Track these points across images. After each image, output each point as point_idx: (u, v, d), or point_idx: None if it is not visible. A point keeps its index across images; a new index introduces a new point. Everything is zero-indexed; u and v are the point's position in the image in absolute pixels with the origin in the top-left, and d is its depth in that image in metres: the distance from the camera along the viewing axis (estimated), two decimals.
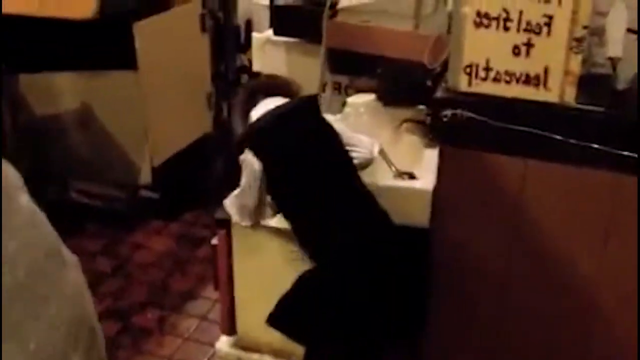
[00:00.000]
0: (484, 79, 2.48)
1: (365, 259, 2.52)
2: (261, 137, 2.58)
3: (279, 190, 2.59)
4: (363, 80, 3.11)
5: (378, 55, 2.98)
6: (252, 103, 2.69)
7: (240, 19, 4.83)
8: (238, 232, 3.01)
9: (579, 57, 2.39)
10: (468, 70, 2.49)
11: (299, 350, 2.81)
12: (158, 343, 3.62)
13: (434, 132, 2.59)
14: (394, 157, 2.95)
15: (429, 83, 2.91)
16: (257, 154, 2.55)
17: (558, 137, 2.44)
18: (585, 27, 2.36)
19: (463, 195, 2.60)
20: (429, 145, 3.08)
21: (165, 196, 4.48)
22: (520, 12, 2.39)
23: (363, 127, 2.94)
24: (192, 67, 4.58)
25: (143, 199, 4.46)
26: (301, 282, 2.60)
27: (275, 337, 3.01)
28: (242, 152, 2.63)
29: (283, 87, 2.73)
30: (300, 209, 2.60)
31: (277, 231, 2.89)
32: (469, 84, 2.50)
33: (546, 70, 2.42)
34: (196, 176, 4.58)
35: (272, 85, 2.73)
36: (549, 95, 2.43)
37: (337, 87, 3.26)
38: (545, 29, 2.38)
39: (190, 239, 4.40)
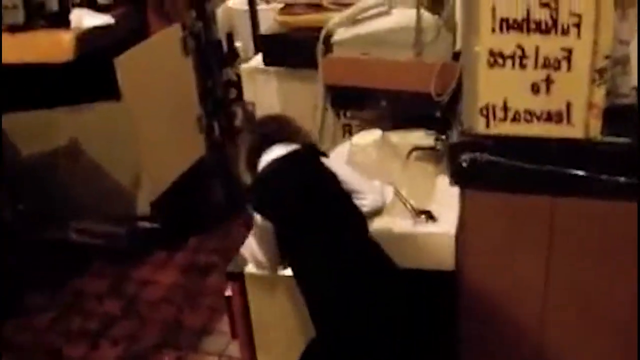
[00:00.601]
0: (503, 120, 2.29)
1: (379, 323, 2.31)
2: (260, 195, 2.41)
3: (284, 245, 2.40)
4: (366, 114, 2.90)
5: (381, 88, 2.76)
6: (259, 151, 2.47)
7: (221, 30, 4.59)
8: (252, 284, 2.82)
9: (603, 89, 2.20)
10: (484, 112, 2.29)
11: None
12: None
13: (453, 177, 2.39)
14: (407, 190, 2.76)
15: (437, 114, 2.70)
16: (260, 212, 2.35)
17: (585, 172, 2.25)
18: (607, 57, 2.16)
19: (489, 239, 2.43)
20: (441, 171, 2.89)
21: (165, 225, 4.28)
22: (537, 48, 2.19)
23: (371, 164, 2.74)
24: (178, 92, 4.36)
25: (143, 231, 4.27)
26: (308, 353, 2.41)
27: None
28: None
29: (291, 132, 2.52)
30: (304, 266, 2.39)
31: (291, 279, 2.71)
32: (487, 125, 2.30)
33: (568, 106, 2.22)
34: (195, 201, 4.38)
35: (280, 131, 2.51)
36: (572, 131, 2.24)
37: (348, 129, 3.06)
38: (564, 64, 2.18)
39: (197, 268, 4.23)
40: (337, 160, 2.57)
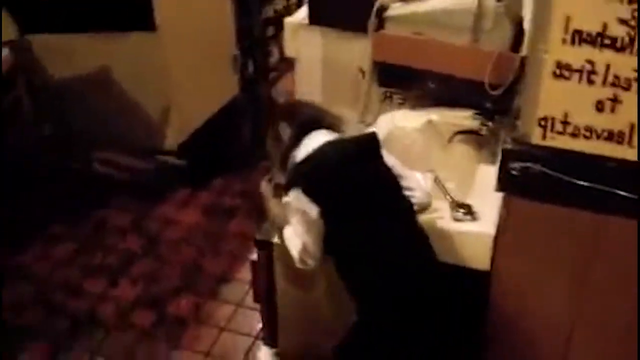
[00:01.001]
0: (561, 133, 2.16)
1: (419, 311, 2.28)
2: (322, 183, 2.29)
3: (333, 235, 2.31)
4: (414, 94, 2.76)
5: (431, 70, 2.61)
6: (298, 140, 2.37)
7: None
8: (280, 255, 2.75)
9: None
10: (543, 122, 2.16)
11: None
12: (194, 336, 3.44)
13: (500, 182, 2.28)
14: (447, 175, 2.66)
15: (488, 105, 2.57)
16: (317, 200, 2.26)
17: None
18: None
19: (529, 247, 2.33)
20: (483, 158, 2.78)
21: (192, 164, 4.18)
22: (608, 66, 2.04)
23: (413, 149, 2.63)
24: (215, 29, 4.19)
25: (169, 168, 4.17)
26: (354, 334, 2.37)
27: (317, 352, 2.85)
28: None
29: (329, 121, 2.40)
30: (352, 254, 2.34)
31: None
32: (543, 137, 2.17)
33: (632, 128, 2.09)
34: (224, 142, 4.27)
35: (317, 120, 2.40)
36: (633, 153, 2.11)
37: (389, 98, 2.90)
38: (635, 85, 2.03)
39: (221, 210, 4.15)
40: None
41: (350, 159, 2.30)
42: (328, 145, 2.33)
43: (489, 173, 2.61)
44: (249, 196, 4.18)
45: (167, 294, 3.64)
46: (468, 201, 2.56)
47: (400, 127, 2.64)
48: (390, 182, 2.33)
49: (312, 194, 2.26)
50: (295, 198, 2.30)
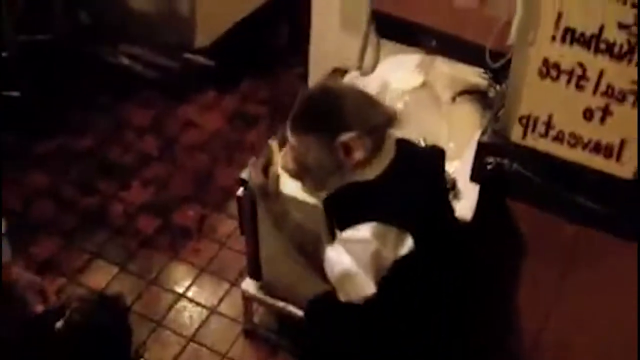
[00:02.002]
0: (543, 135, 1.88)
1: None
2: (393, 203, 1.85)
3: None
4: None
5: (434, 28, 2.30)
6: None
7: None
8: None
9: None
10: (524, 121, 1.87)
11: None
12: (195, 249, 3.38)
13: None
14: (442, 142, 2.40)
15: (488, 76, 2.26)
16: (396, 221, 1.81)
17: (622, 214, 1.86)
18: None
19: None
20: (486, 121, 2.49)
21: (221, 64, 3.97)
22: (601, 72, 1.73)
23: (406, 112, 2.37)
24: None
25: (196, 67, 3.97)
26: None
27: (299, 288, 2.75)
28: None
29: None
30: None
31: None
32: (523, 136, 1.90)
33: (622, 143, 1.79)
34: (255, 44, 4.02)
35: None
36: (620, 169, 1.84)
37: None
38: (631, 98, 1.73)
39: (244, 117, 3.97)
40: None
41: (424, 176, 1.94)
42: (406, 172, 1.87)
43: None
44: (274, 105, 3.98)
45: (175, 202, 3.56)
46: (460, 169, 2.30)
47: (393, 88, 2.37)
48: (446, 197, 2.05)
49: (405, 225, 1.81)
50: (377, 232, 1.78)
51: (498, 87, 2.42)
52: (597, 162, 1.84)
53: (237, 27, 3.99)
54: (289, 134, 1.85)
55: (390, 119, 1.83)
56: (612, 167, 1.83)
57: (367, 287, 1.82)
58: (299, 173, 1.89)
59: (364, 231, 1.76)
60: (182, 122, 3.92)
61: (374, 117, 1.80)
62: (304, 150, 1.83)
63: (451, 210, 1.98)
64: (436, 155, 2.00)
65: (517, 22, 1.86)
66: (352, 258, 1.80)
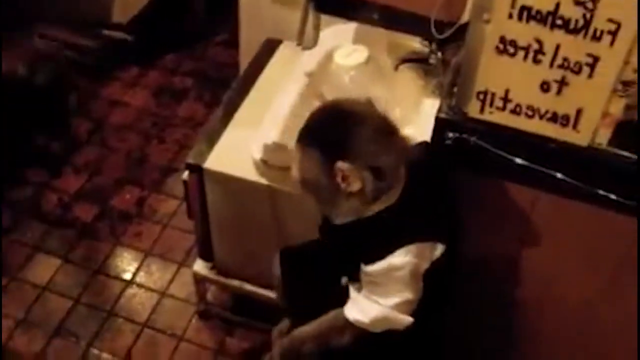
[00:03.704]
0: (501, 109, 1.89)
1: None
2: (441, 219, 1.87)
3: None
4: None
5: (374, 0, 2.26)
6: None
7: None
8: (211, 180, 2.55)
9: (623, 101, 1.78)
10: (481, 96, 1.88)
11: None
12: (136, 232, 3.30)
13: (434, 151, 2.02)
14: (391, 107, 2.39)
15: (433, 50, 2.25)
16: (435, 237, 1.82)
17: (579, 181, 1.90)
18: (636, 71, 1.71)
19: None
20: (429, 90, 2.50)
21: (140, 39, 3.82)
22: (557, 47, 1.74)
23: (352, 87, 2.34)
24: None
25: (116, 43, 3.81)
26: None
27: (252, 266, 2.75)
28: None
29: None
30: None
31: (253, 184, 2.45)
32: (481, 110, 1.91)
33: (579, 112, 1.82)
34: (177, 15, 3.88)
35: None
36: (576, 137, 1.87)
37: None
38: (586, 69, 1.74)
39: (170, 91, 3.86)
40: None
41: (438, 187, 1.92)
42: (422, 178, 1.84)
43: (433, 107, 2.34)
44: (200, 76, 3.87)
45: (111, 186, 3.45)
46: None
47: (338, 63, 2.33)
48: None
49: (435, 235, 1.80)
50: (413, 252, 1.75)
51: (440, 54, 2.41)
52: (555, 131, 1.87)
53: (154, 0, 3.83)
54: (296, 141, 1.79)
55: (400, 158, 1.76)
56: (568, 135, 1.86)
57: (406, 321, 1.82)
58: (303, 186, 1.83)
59: (401, 257, 1.73)
60: (108, 102, 3.78)
61: (383, 158, 1.72)
62: (306, 163, 1.77)
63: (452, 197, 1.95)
64: (428, 152, 1.97)
65: (473, 1, 1.84)
66: (386, 297, 1.80)
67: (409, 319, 1.82)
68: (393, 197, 1.76)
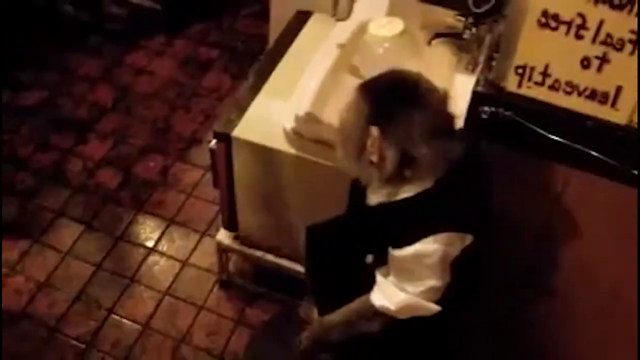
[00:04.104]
0: (539, 84, 1.87)
1: None
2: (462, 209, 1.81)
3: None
4: None
5: None
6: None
7: None
8: (239, 149, 2.55)
9: None
10: (520, 70, 1.86)
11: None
12: (160, 201, 3.30)
13: (469, 124, 2.01)
14: None
15: (467, 25, 2.23)
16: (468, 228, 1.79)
17: (614, 159, 1.89)
18: None
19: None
20: (462, 65, 2.48)
21: (169, 7, 3.81)
22: (601, 22, 1.72)
23: (384, 58, 2.33)
24: None
25: (144, 11, 3.80)
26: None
27: (276, 237, 2.75)
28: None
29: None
30: None
31: (281, 154, 2.44)
32: (519, 85, 1.89)
33: (618, 90, 1.81)
34: None
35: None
36: (615, 115, 1.85)
37: None
38: (629, 46, 1.73)
39: (196, 61, 3.84)
40: None
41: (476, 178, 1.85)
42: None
43: (465, 83, 2.34)
44: (226, 48, 3.86)
45: (135, 154, 3.45)
46: None
47: (372, 34, 2.31)
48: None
49: (467, 226, 1.76)
50: (445, 240, 1.72)
51: (474, 29, 2.39)
52: (593, 108, 1.85)
53: None
54: (357, 86, 1.74)
55: (442, 156, 1.68)
56: (607, 113, 1.85)
57: (434, 308, 1.81)
58: (339, 128, 1.79)
59: (430, 244, 1.70)
60: (134, 70, 3.78)
61: (423, 151, 1.65)
62: (352, 109, 1.72)
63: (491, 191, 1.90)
64: (474, 143, 1.89)
65: None
66: (413, 284, 1.78)
67: (436, 307, 1.80)
68: (429, 182, 1.71)
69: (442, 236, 1.70)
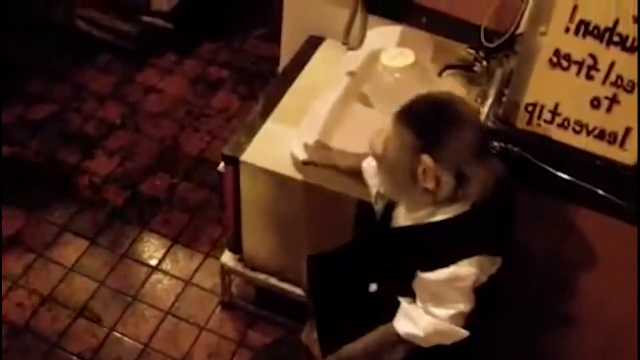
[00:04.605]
0: (549, 122, 1.89)
1: None
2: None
3: None
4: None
5: (425, 5, 2.27)
6: None
7: None
8: (247, 172, 2.57)
9: None
10: (530, 108, 1.88)
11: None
12: (165, 220, 3.31)
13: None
14: None
15: (478, 58, 2.25)
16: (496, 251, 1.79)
17: (625, 201, 1.90)
18: None
19: None
20: (472, 97, 2.50)
21: (181, 27, 3.84)
22: (612, 64, 1.74)
23: (397, 89, 2.35)
24: None
25: (156, 29, 3.83)
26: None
27: (280, 262, 2.76)
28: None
29: None
30: None
31: (288, 179, 2.46)
32: (528, 122, 1.91)
33: (627, 131, 1.83)
34: (216, 5, 3.89)
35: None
36: (623, 155, 1.88)
37: None
38: None
39: (206, 81, 3.87)
40: None
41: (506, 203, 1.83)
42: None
43: None
44: (237, 68, 3.89)
45: (142, 172, 3.47)
46: None
47: (384, 64, 2.34)
48: None
49: (497, 250, 1.77)
50: (478, 264, 1.72)
51: (485, 63, 2.41)
52: (601, 148, 1.87)
53: None
54: (394, 116, 1.71)
55: (488, 172, 1.70)
56: (615, 154, 1.87)
57: (462, 333, 1.79)
58: (379, 159, 1.77)
59: (466, 267, 1.69)
60: (144, 87, 3.80)
61: (473, 168, 1.66)
62: (395, 140, 1.69)
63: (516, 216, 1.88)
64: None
65: (530, 12, 1.84)
66: (442, 308, 1.76)
67: (464, 332, 1.78)
68: (468, 204, 1.71)
69: (478, 259, 1.70)
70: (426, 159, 1.62)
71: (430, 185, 1.65)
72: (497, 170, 1.72)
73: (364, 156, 2.05)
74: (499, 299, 1.91)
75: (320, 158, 2.24)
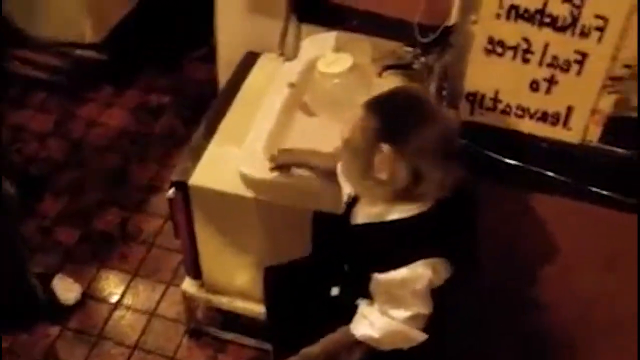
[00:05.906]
0: (491, 110, 1.88)
1: None
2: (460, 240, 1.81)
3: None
4: None
5: (355, 7, 2.24)
6: None
7: None
8: (197, 195, 2.52)
9: (612, 97, 1.77)
10: (471, 98, 1.86)
11: None
12: (122, 254, 3.23)
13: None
14: None
15: (416, 54, 2.23)
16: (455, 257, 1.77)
17: (573, 179, 1.90)
18: (627, 66, 1.71)
19: None
20: None
21: (114, 58, 3.77)
22: (546, 45, 1.73)
23: (336, 95, 2.33)
24: None
25: (90, 63, 3.75)
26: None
27: (242, 282, 2.71)
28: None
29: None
30: None
31: (239, 198, 2.41)
32: (471, 112, 1.89)
33: (569, 110, 1.82)
34: (153, 32, 3.83)
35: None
36: (568, 134, 1.87)
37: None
38: (575, 67, 1.75)
39: (148, 109, 3.80)
40: None
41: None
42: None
43: None
44: (178, 93, 3.83)
45: (93, 208, 3.38)
46: None
47: (321, 71, 2.31)
48: None
49: (453, 255, 1.73)
50: (433, 266, 1.70)
51: (423, 59, 2.40)
52: (546, 130, 1.86)
53: (127, 17, 3.77)
54: (365, 103, 1.69)
55: (449, 176, 1.67)
56: (560, 134, 1.86)
57: (419, 336, 1.77)
58: (344, 145, 1.73)
59: (421, 268, 1.67)
60: (85, 122, 3.72)
61: (430, 169, 1.63)
62: (360, 126, 1.66)
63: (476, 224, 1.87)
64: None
65: (460, 2, 1.83)
66: (399, 309, 1.74)
67: (422, 335, 1.76)
68: (425, 205, 1.69)
69: (434, 261, 1.68)
70: (386, 148, 1.60)
71: (383, 175, 1.63)
72: (458, 175, 1.68)
73: (334, 155, 2.00)
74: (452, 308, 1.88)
75: (289, 158, 2.20)
